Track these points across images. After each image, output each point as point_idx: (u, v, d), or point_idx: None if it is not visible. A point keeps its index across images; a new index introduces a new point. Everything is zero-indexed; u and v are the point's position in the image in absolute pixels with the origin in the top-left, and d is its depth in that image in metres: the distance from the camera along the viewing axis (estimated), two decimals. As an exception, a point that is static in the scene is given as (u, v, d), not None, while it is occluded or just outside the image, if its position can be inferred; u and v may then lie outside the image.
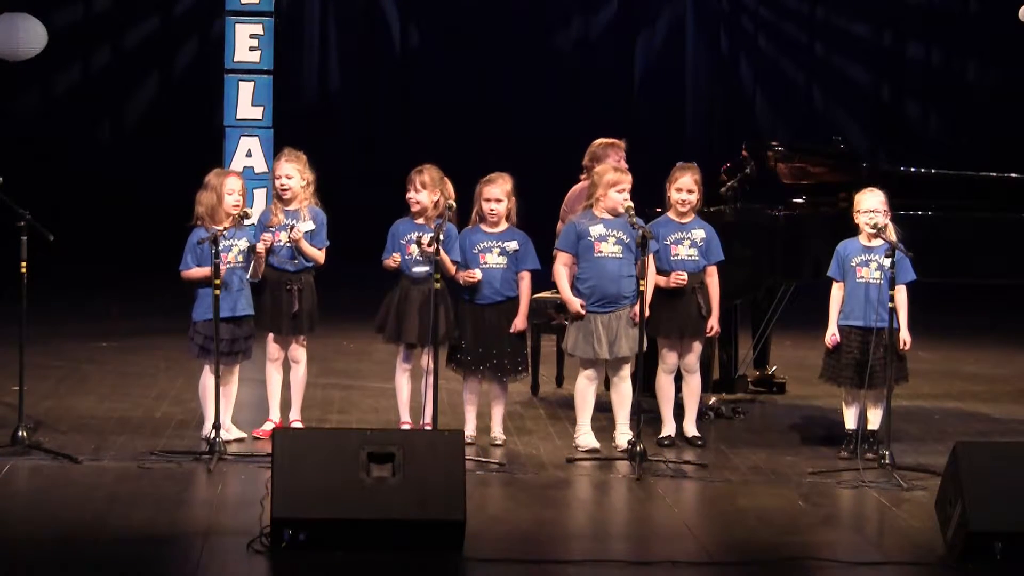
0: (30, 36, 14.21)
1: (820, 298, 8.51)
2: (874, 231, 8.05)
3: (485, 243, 8.20)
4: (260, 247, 8.11)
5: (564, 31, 18.82)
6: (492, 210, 8.20)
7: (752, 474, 7.83)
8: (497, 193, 8.21)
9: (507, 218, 8.24)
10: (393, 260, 8.12)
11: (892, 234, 8.03)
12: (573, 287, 8.21)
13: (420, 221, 8.18)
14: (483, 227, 8.25)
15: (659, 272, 8.35)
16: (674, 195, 8.41)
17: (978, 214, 9.26)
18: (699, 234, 8.43)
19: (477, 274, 8.14)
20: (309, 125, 17.09)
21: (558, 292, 8.67)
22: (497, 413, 8.34)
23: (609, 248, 8.14)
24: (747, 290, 9.31)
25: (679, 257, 8.39)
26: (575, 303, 8.14)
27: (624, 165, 8.74)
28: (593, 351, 8.13)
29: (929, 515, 6.64)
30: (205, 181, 8.11)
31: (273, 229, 8.24)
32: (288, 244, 8.21)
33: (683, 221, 8.44)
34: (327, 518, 6.10)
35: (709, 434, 8.69)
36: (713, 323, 8.39)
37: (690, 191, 8.39)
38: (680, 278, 8.31)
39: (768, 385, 10.15)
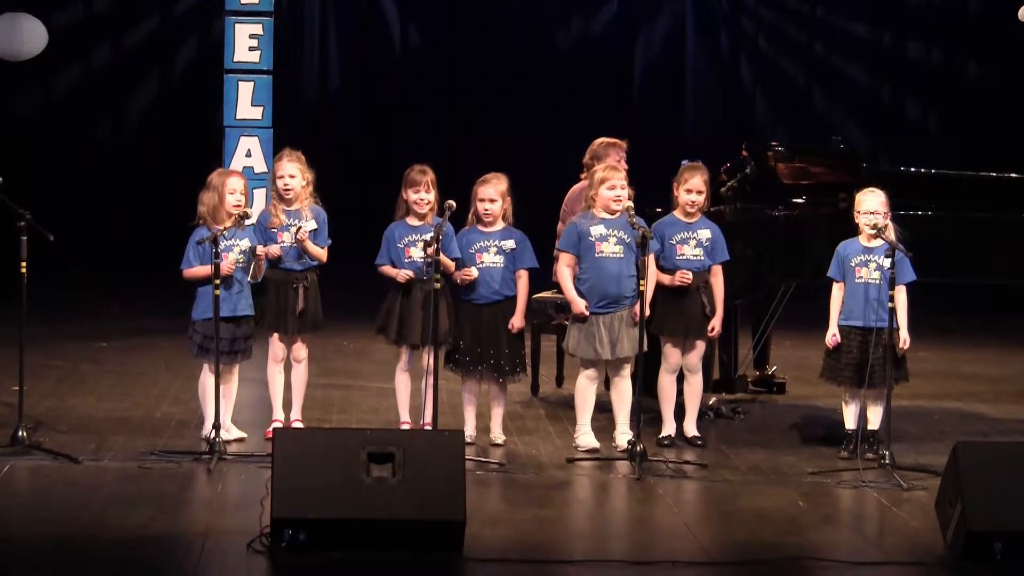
0: (31, 36, 14.21)
1: (820, 298, 8.51)
2: (874, 231, 8.06)
3: (482, 243, 8.21)
4: (261, 250, 8.10)
5: (564, 31, 18.82)
6: (487, 210, 8.20)
7: (752, 474, 7.83)
8: (491, 193, 8.21)
9: (503, 218, 8.25)
10: (403, 276, 8.09)
11: (892, 234, 8.03)
12: (574, 287, 8.21)
13: (417, 223, 8.18)
14: (479, 227, 8.26)
15: (664, 271, 8.36)
16: (683, 195, 8.41)
17: (978, 214, 9.26)
18: (705, 234, 8.43)
19: (473, 272, 8.15)
20: (309, 125, 17.10)
21: (558, 292, 8.69)
22: (497, 413, 8.34)
23: (610, 248, 8.15)
24: (748, 290, 9.31)
25: (684, 257, 8.39)
26: (580, 304, 8.13)
27: (617, 163, 8.74)
28: (595, 352, 8.13)
29: (929, 515, 6.64)
30: (208, 180, 8.12)
31: (275, 230, 8.24)
32: (293, 244, 8.21)
33: (689, 221, 8.44)
34: (327, 518, 6.10)
35: (709, 434, 8.69)
36: (715, 324, 8.39)
37: (699, 191, 8.40)
38: (685, 277, 8.31)
39: (768, 385, 10.15)
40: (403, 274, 8.11)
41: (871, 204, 8.15)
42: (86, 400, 9.34)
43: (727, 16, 18.88)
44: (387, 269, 8.19)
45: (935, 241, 8.91)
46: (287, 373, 8.36)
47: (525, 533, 6.59)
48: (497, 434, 8.31)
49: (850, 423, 8.24)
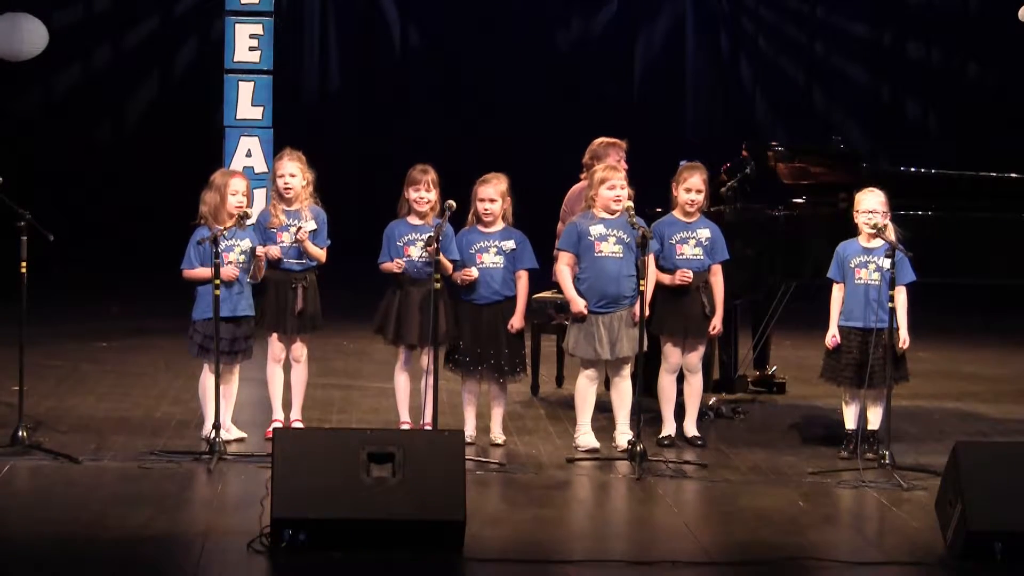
0: (32, 36, 14.21)
1: (820, 298, 8.51)
2: (873, 231, 8.06)
3: (482, 243, 8.21)
4: (261, 251, 8.09)
5: (564, 31, 18.83)
6: (486, 210, 8.21)
7: (752, 474, 7.83)
8: (491, 193, 8.21)
9: (503, 218, 8.25)
10: (397, 266, 8.11)
11: (892, 234, 8.03)
12: (574, 287, 8.21)
13: (418, 222, 8.19)
14: (479, 227, 8.26)
15: (663, 270, 8.36)
16: (682, 195, 8.41)
17: (978, 214, 9.26)
18: (704, 233, 8.43)
19: (473, 272, 8.15)
20: (309, 125, 17.10)
21: (558, 292, 8.69)
22: (497, 413, 8.34)
23: (609, 248, 8.14)
24: (748, 290, 9.31)
25: (684, 256, 8.39)
26: (579, 303, 8.13)
27: (617, 163, 8.74)
28: (594, 352, 8.13)
29: (929, 515, 6.64)
30: (210, 180, 8.12)
31: (275, 230, 8.24)
32: (293, 244, 8.21)
33: (689, 220, 8.44)
34: (327, 518, 6.10)
35: (709, 434, 8.69)
36: (716, 323, 8.40)
37: (699, 191, 8.40)
38: (685, 276, 8.31)
39: (768, 385, 10.15)
40: (397, 263, 8.11)
41: (870, 203, 8.15)
42: (86, 400, 9.33)
43: (727, 16, 18.89)
44: (387, 264, 8.19)
45: (935, 241, 8.91)
46: (287, 373, 8.36)
47: (525, 533, 6.59)
48: (497, 434, 8.31)
49: (850, 423, 8.24)
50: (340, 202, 9.15)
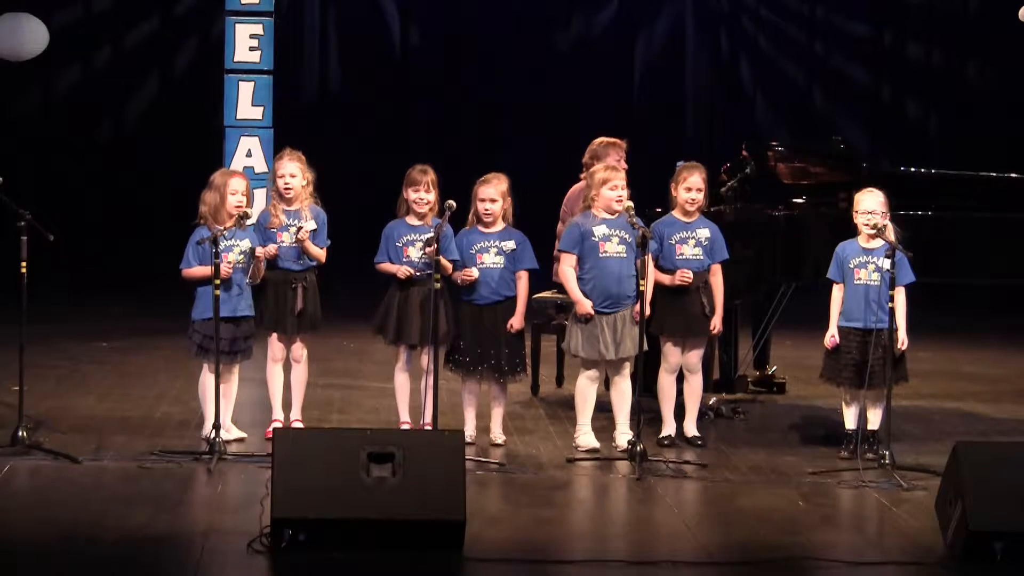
0: (33, 36, 14.22)
1: (820, 298, 8.51)
2: (873, 231, 8.06)
3: (482, 243, 8.21)
4: (260, 251, 8.09)
5: (564, 31, 18.83)
6: (487, 210, 8.20)
7: (752, 474, 7.83)
8: (492, 193, 8.21)
9: (503, 218, 8.25)
10: (403, 273, 8.10)
11: (891, 234, 8.03)
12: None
13: (417, 222, 8.18)
14: (480, 228, 8.25)
15: (663, 270, 8.36)
16: (682, 195, 8.41)
17: (978, 214, 9.26)
18: (704, 233, 8.43)
19: (474, 273, 8.15)
20: (309, 125, 17.10)
21: (558, 292, 8.69)
22: (497, 413, 8.34)
23: (613, 248, 8.14)
24: (748, 290, 9.31)
25: (684, 256, 8.38)
26: (586, 304, 8.12)
27: (617, 163, 8.74)
28: (599, 353, 8.12)
29: (929, 515, 6.64)
30: (210, 180, 8.12)
31: (275, 230, 8.24)
32: (293, 244, 8.21)
33: (688, 220, 8.43)
34: (327, 518, 6.10)
35: (709, 434, 8.69)
36: (716, 322, 8.39)
37: (699, 190, 8.40)
38: (685, 276, 8.31)
39: (768, 385, 10.15)
40: (403, 270, 8.12)
41: (869, 204, 8.15)
42: (86, 400, 9.33)
43: (727, 16, 18.89)
44: (386, 266, 8.19)
45: (935, 241, 8.91)
46: (287, 373, 8.36)
47: (525, 533, 6.59)
48: (497, 434, 8.31)
49: (850, 423, 8.24)
50: (340, 202, 9.14)
